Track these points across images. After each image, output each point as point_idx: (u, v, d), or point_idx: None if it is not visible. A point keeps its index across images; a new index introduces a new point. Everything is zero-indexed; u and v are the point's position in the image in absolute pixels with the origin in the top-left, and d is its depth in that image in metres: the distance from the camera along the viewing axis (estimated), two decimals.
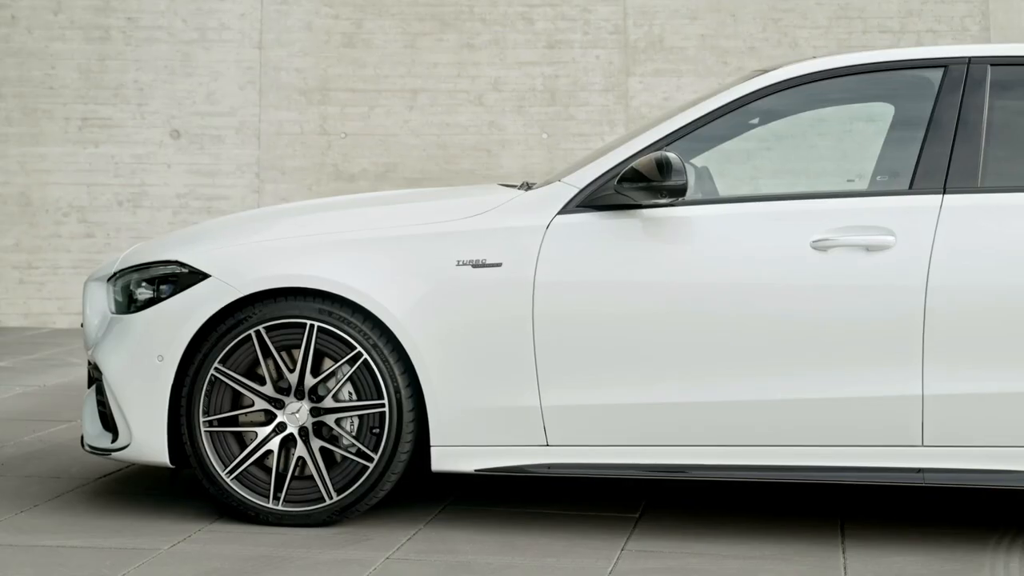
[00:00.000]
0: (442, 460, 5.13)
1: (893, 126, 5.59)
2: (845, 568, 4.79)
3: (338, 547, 4.97)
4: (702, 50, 10.39)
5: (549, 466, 5.09)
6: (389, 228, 5.23)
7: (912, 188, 5.03)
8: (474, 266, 5.11)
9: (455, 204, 5.36)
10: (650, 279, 5.03)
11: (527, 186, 5.57)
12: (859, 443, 4.94)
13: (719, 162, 5.81)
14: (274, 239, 5.29)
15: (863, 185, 6.07)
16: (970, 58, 5.11)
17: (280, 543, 5.01)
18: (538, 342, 5.05)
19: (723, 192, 5.92)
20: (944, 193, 4.98)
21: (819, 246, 4.97)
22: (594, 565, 4.80)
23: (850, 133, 9.89)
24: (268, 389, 5.21)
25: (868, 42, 10.23)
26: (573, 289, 5.06)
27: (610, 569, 4.77)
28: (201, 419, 5.18)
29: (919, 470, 4.92)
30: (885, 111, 5.70)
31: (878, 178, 5.61)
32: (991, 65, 5.09)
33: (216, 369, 5.16)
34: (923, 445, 4.91)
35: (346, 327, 5.12)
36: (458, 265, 5.12)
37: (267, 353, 5.19)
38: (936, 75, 5.13)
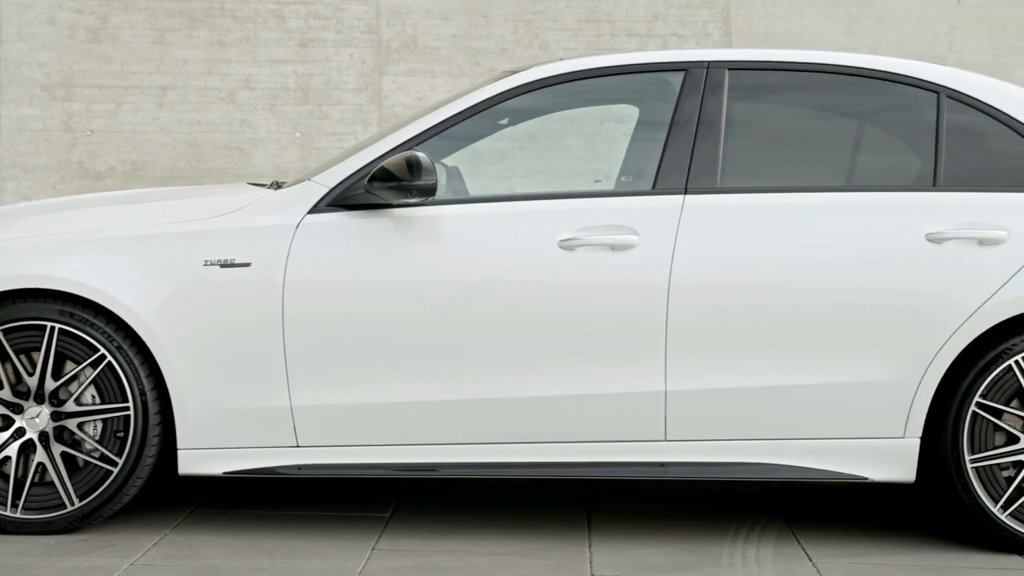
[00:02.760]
0: (189, 463, 5.04)
1: (638, 127, 5.72)
2: (591, 561, 4.88)
3: (80, 554, 4.85)
4: (455, 50, 10.46)
5: (299, 467, 5.05)
6: (135, 227, 5.12)
7: (655, 188, 5.15)
8: (222, 266, 5.04)
9: (203, 203, 5.27)
10: (400, 278, 5.04)
11: (277, 185, 5.52)
12: (605, 439, 5.04)
13: (472, 162, 5.85)
14: (14, 238, 5.12)
15: (610, 185, 6.19)
16: (709, 62, 5.26)
17: (18, 552, 4.85)
18: (288, 342, 5.01)
19: (476, 192, 5.96)
20: (685, 193, 5.11)
21: (566, 245, 5.04)
22: (344, 566, 4.79)
23: (600, 134, 10.07)
24: (6, 393, 5.04)
25: (616, 45, 10.43)
26: (323, 289, 5.03)
27: (360, 569, 4.76)
28: None
29: (662, 464, 5.04)
30: (632, 113, 5.82)
31: (623, 178, 5.73)
32: (729, 69, 5.25)
33: None
34: (666, 440, 5.03)
35: (88, 329, 5.00)
36: (205, 265, 5.04)
37: (4, 356, 5.03)
38: (677, 78, 5.26)
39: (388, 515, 5.42)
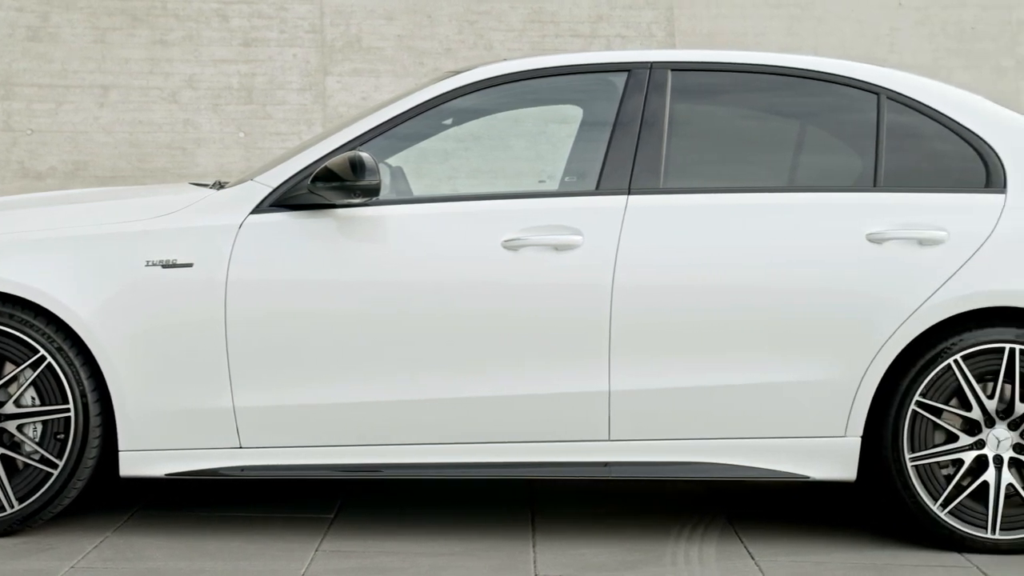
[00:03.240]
0: (131, 465, 5.01)
1: (581, 128, 5.73)
2: (535, 561, 4.89)
3: (19, 557, 4.80)
4: (399, 50, 10.45)
5: (242, 468, 5.03)
6: (75, 227, 5.08)
7: (599, 189, 5.16)
8: (164, 266, 5.01)
9: (144, 203, 5.24)
10: (343, 278, 5.03)
11: (219, 185, 5.50)
12: (550, 439, 5.05)
13: (417, 162, 5.84)
14: None
15: (554, 186, 6.21)
16: (652, 63, 5.28)
17: None
18: (231, 343, 4.99)
19: (420, 192, 5.95)
20: (629, 194, 5.13)
21: (510, 245, 5.05)
22: (287, 567, 4.77)
23: (545, 135, 10.08)
24: None
25: (561, 45, 10.45)
26: (266, 289, 5.01)
27: (303, 570, 4.75)
28: None
29: (606, 464, 5.05)
30: (576, 113, 5.83)
31: (567, 179, 5.74)
32: (672, 70, 5.27)
33: None
34: (610, 440, 5.04)
35: (28, 330, 4.95)
36: (147, 265, 5.01)
37: None
38: (620, 79, 5.28)
39: (332, 516, 5.41)
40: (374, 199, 5.06)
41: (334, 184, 5.01)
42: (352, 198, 5.03)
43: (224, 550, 4.94)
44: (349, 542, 5.06)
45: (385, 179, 5.30)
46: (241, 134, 10.52)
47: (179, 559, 4.83)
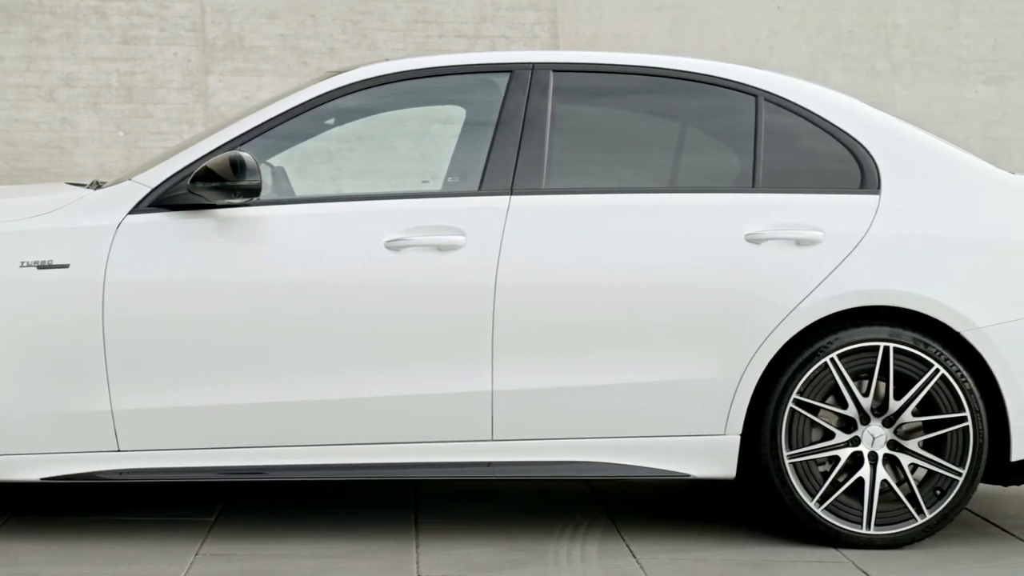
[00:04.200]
0: (6, 469, 4.92)
1: (465, 128, 5.74)
2: (418, 561, 4.89)
3: None
4: (282, 50, 10.38)
5: (121, 472, 4.96)
6: None
7: (481, 189, 5.17)
8: (39, 267, 4.93)
9: (19, 203, 5.15)
10: (224, 279, 4.98)
11: (97, 185, 5.42)
12: (434, 439, 5.05)
13: (301, 162, 5.81)
14: None
15: (437, 186, 6.21)
16: (534, 64, 5.30)
17: None
18: (109, 345, 4.92)
19: (304, 192, 5.91)
20: (511, 194, 5.15)
21: (393, 246, 5.04)
22: (166, 571, 4.72)
23: (429, 135, 10.07)
24: None
25: (445, 46, 10.45)
26: (145, 291, 4.95)
27: (183, 574, 4.70)
28: None
29: (489, 464, 5.06)
30: (459, 114, 5.84)
31: (450, 179, 5.75)
32: (554, 71, 5.30)
33: None
34: (493, 439, 5.06)
35: None
36: (22, 266, 4.93)
37: None
38: (503, 80, 5.29)
39: (213, 519, 5.36)
40: (255, 199, 5.02)
41: (214, 184, 4.96)
42: (232, 198, 4.99)
43: (102, 555, 4.88)
44: (230, 545, 5.02)
45: (266, 179, 5.26)
46: (121, 133, 10.38)
47: (56, 564, 4.76)
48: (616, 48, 10.42)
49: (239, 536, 5.13)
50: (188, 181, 4.99)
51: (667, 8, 10.85)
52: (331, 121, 5.51)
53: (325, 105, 5.25)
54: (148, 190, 5.05)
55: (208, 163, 4.98)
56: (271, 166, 5.45)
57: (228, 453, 5.00)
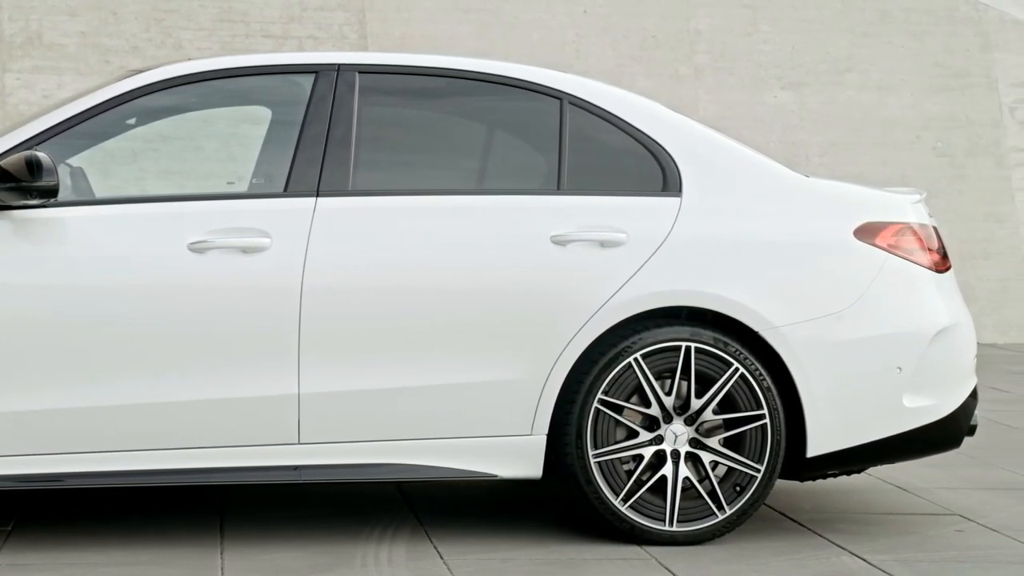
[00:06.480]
0: None
1: (270, 129, 5.69)
2: (222, 568, 4.82)
3: None
4: (83, 48, 10.15)
5: None
6: None
7: (287, 191, 5.13)
8: None
9: None
10: (19, 282, 4.86)
11: None
12: (240, 443, 4.99)
13: (103, 162, 5.69)
14: None
15: (243, 187, 6.14)
16: (340, 65, 5.27)
17: None
18: None
19: (107, 193, 5.79)
20: (317, 196, 5.11)
21: (196, 248, 4.97)
22: None
23: (236, 136, 9.96)
24: None
25: (252, 46, 10.35)
26: None
27: None
28: None
29: (296, 468, 5.02)
30: (265, 115, 5.79)
31: (255, 181, 5.69)
32: (359, 72, 5.28)
33: None
34: (300, 443, 5.02)
35: None
36: None
37: None
38: (308, 81, 5.25)
39: (9, 528, 5.22)
40: (52, 200, 4.90)
41: (9, 185, 4.85)
42: (29, 199, 4.87)
43: None
44: (28, 555, 4.89)
45: (65, 180, 5.15)
46: None
47: None
48: (425, 50, 10.43)
49: (38, 545, 5.00)
50: None
51: (475, 11, 10.91)
52: (132, 121, 5.42)
53: (126, 104, 5.16)
54: None
55: (2, 163, 4.85)
56: (70, 166, 5.33)
57: (25, 460, 4.88)
